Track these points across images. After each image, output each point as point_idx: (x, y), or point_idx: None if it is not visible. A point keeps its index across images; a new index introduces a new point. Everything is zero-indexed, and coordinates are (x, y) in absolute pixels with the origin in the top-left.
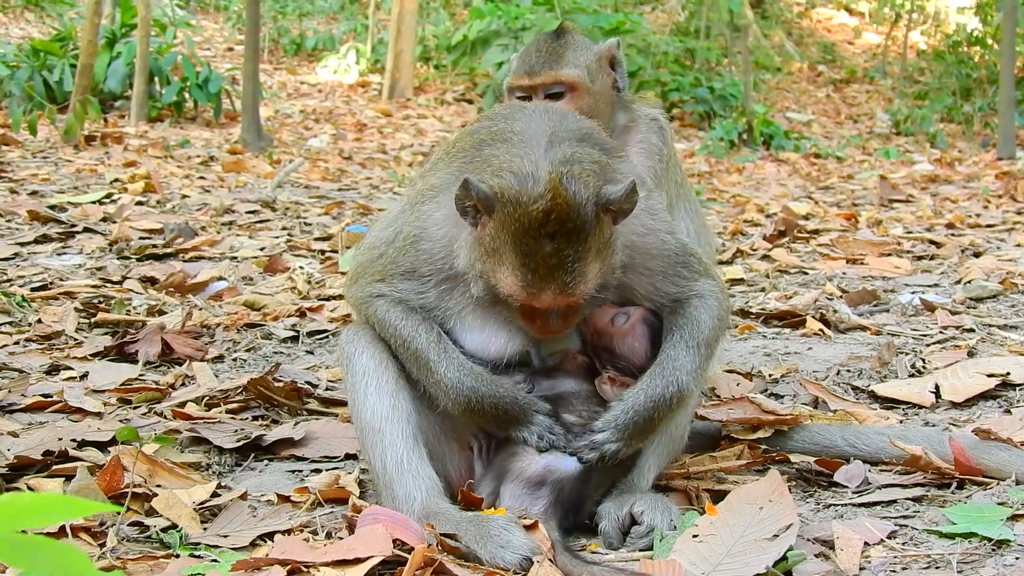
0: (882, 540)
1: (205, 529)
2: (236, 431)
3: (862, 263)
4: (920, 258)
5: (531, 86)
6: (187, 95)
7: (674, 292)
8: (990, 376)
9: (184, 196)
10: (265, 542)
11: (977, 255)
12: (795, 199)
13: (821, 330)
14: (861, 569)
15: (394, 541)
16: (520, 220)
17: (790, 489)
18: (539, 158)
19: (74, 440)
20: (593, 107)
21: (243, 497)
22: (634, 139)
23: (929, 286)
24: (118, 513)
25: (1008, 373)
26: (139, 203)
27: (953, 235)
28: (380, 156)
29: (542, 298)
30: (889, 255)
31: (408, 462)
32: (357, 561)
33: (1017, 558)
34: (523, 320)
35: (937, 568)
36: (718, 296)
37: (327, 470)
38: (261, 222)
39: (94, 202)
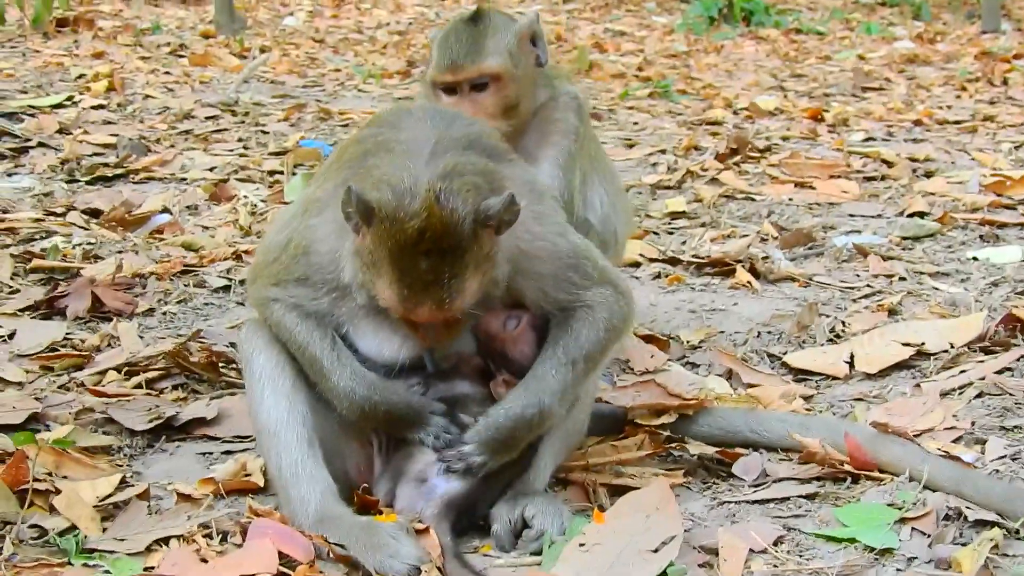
0: (765, 549)
1: (104, 531)
2: (150, 409)
3: (810, 187)
4: (870, 179)
5: (455, 81)
6: None
7: (563, 299)
8: (905, 345)
9: (147, 96)
10: (161, 547)
11: (928, 175)
12: (766, 89)
13: (749, 282)
14: None
15: (281, 555)
16: (396, 236)
17: (689, 481)
18: (419, 171)
19: None
20: (519, 91)
21: (143, 496)
22: (553, 117)
23: (872, 217)
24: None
25: (923, 343)
26: (99, 106)
27: (914, 140)
28: (355, 36)
29: (418, 313)
30: (838, 177)
31: (303, 466)
32: None
33: (899, 569)
34: (407, 329)
35: None
36: (611, 305)
37: (238, 452)
38: (218, 131)
39: (53, 106)
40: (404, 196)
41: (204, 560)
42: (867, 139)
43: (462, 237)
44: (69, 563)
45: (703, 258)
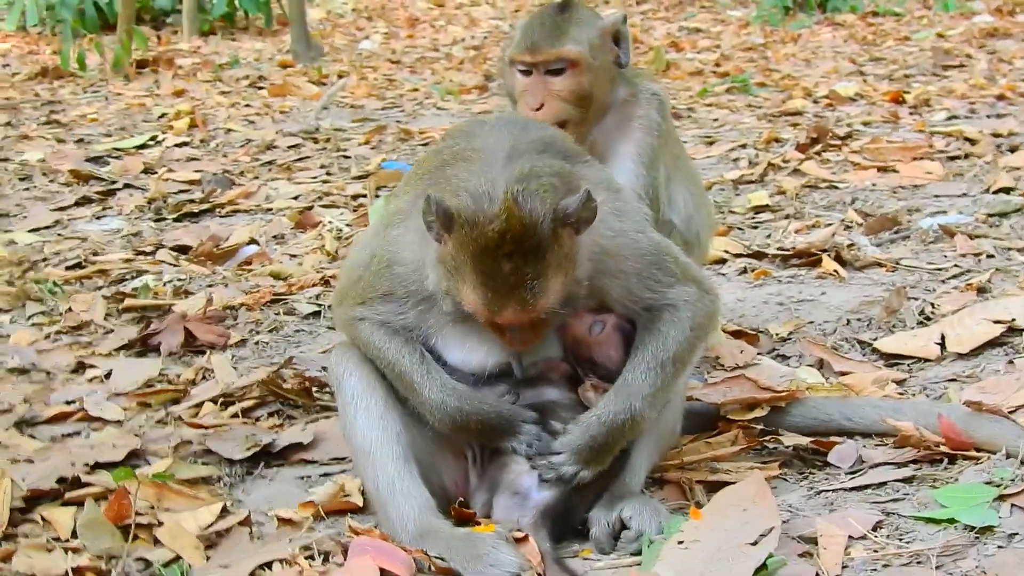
0: (865, 535)
1: (208, 559)
2: (247, 438)
3: (893, 171)
4: (953, 158)
5: (532, 62)
6: (237, 4)
7: (648, 298)
8: (996, 323)
9: (229, 130)
10: (265, 572)
11: (1013, 150)
12: (845, 75)
13: (836, 270)
14: (844, 568)
15: (382, 572)
16: (477, 241)
17: (785, 472)
18: (496, 176)
19: (87, 464)
20: (594, 83)
21: (245, 522)
22: (634, 114)
23: (957, 196)
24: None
25: (1014, 319)
26: (183, 144)
27: (998, 115)
28: (432, 55)
29: (504, 315)
30: (921, 159)
31: (400, 482)
32: None
33: (1000, 546)
34: (494, 334)
35: (919, 563)
36: (694, 304)
37: (335, 473)
38: (301, 159)
39: (138, 147)
40: (483, 200)
41: None
42: (949, 118)
43: (542, 237)
44: None
45: (788, 250)
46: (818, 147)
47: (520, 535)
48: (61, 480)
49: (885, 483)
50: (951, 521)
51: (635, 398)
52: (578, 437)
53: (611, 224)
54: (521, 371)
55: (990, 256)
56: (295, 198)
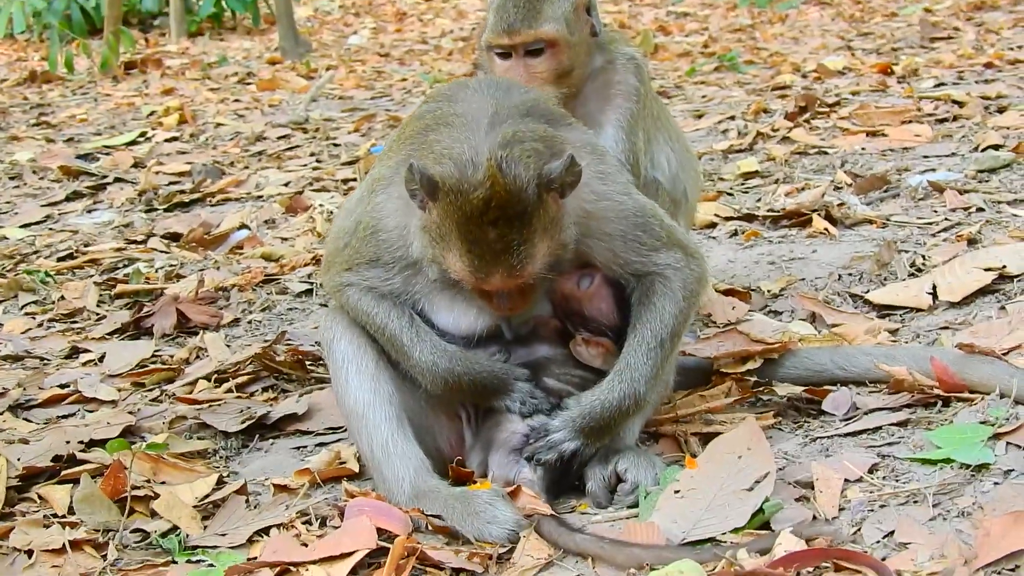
0: (861, 477)
1: (205, 528)
2: (241, 411)
3: (882, 134)
4: (942, 121)
5: (510, 44)
6: (224, 5)
7: (634, 262)
8: (987, 270)
9: (218, 125)
10: (262, 537)
11: (1001, 110)
12: (833, 51)
13: (826, 229)
14: (840, 510)
15: (379, 531)
16: (462, 208)
17: (780, 422)
18: (479, 142)
19: (81, 442)
20: (574, 59)
21: (241, 491)
22: (612, 80)
23: (946, 156)
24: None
25: (1004, 266)
26: (173, 139)
27: (986, 81)
28: (420, 47)
29: (491, 282)
30: (910, 122)
31: (393, 444)
32: (343, 556)
33: (996, 483)
34: (481, 300)
35: (915, 503)
36: (683, 270)
37: (331, 443)
38: (291, 149)
39: (127, 144)
40: (467, 168)
41: (304, 544)
42: (938, 84)
43: (527, 203)
44: (173, 561)
45: (778, 211)
46: (807, 115)
47: (513, 488)
48: (56, 458)
49: (880, 428)
50: (947, 461)
51: (638, 383)
52: (579, 416)
53: (595, 187)
54: (511, 332)
55: (980, 209)
56: (285, 185)
